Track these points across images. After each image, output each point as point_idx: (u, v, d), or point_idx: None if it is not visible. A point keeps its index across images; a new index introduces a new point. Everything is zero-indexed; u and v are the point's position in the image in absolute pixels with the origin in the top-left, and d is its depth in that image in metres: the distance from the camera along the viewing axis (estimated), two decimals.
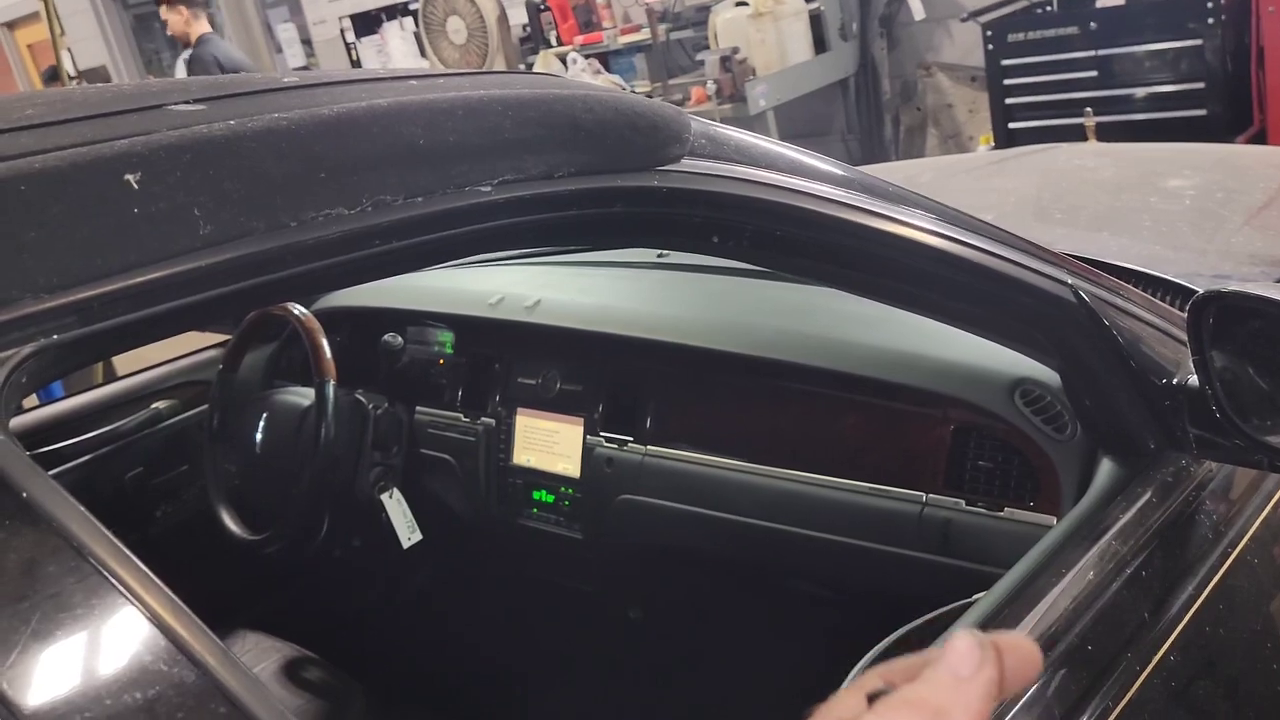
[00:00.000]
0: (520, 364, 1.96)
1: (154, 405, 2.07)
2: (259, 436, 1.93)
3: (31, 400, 2.22)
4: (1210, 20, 4.33)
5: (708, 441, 1.70)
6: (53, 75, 5.34)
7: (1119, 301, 1.12)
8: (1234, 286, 1.02)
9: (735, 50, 5.42)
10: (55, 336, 0.57)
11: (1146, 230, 1.97)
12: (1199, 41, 4.39)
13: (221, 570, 1.82)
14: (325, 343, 1.84)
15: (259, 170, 0.65)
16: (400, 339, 2.03)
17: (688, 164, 0.89)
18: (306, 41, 8.26)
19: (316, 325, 1.87)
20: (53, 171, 0.59)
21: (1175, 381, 1.09)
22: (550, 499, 1.90)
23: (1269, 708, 1.10)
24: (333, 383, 1.80)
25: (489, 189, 0.75)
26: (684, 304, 1.80)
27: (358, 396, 1.94)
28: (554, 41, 6.54)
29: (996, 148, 4.89)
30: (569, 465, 1.86)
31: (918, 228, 1.01)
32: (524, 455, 1.94)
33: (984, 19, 4.97)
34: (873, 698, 0.45)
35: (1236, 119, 4.46)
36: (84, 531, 0.51)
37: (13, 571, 0.49)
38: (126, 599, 0.50)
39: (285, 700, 1.75)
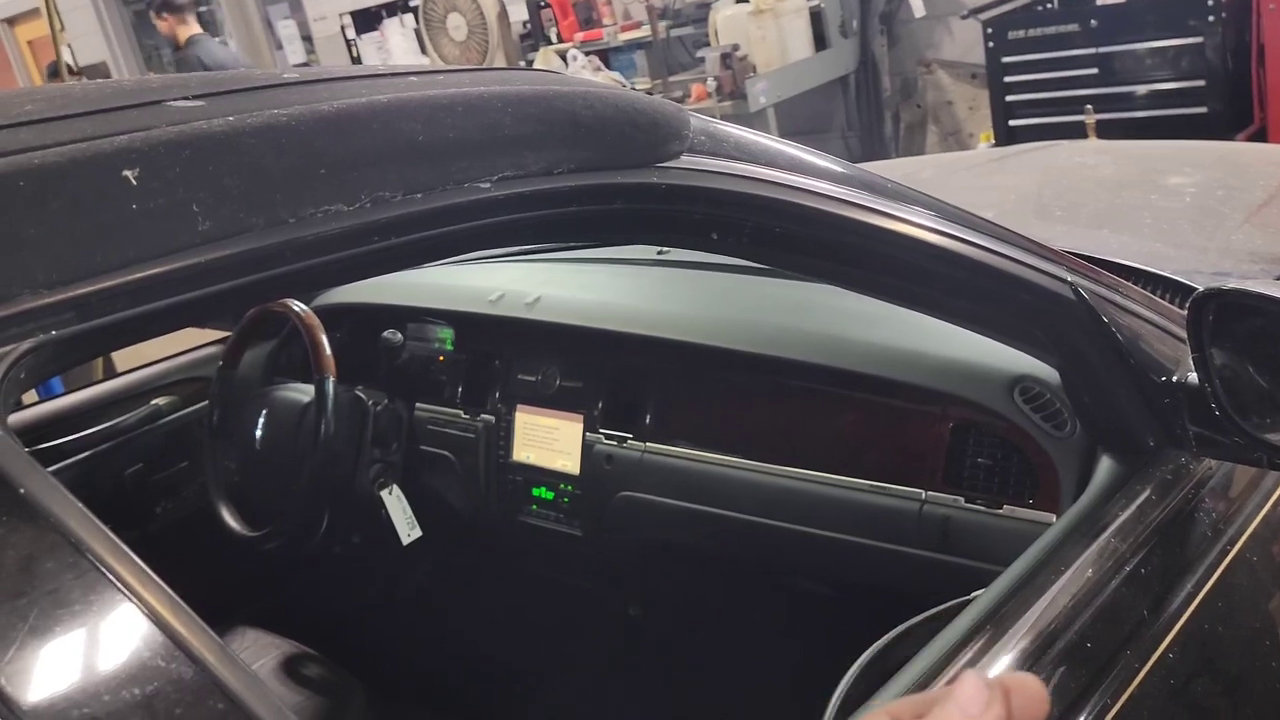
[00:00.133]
0: (520, 361, 1.96)
1: (154, 402, 2.07)
2: (259, 433, 1.93)
3: (31, 396, 2.22)
4: (1211, 18, 4.33)
5: (707, 438, 1.70)
6: (55, 71, 5.34)
7: (1119, 299, 1.12)
8: (1234, 284, 1.02)
9: (735, 47, 5.42)
10: (54, 332, 0.57)
11: (1147, 228, 1.96)
12: (1199, 39, 4.38)
13: (221, 566, 1.82)
14: (325, 339, 1.84)
15: (258, 166, 0.65)
16: (400, 335, 2.03)
17: (687, 161, 0.89)
18: (307, 38, 8.25)
19: (316, 322, 1.87)
20: (52, 167, 0.59)
21: (1175, 379, 1.09)
22: (550, 496, 1.90)
23: (1268, 705, 1.10)
24: (332, 379, 1.80)
25: (489, 185, 0.75)
26: (684, 301, 1.80)
27: (357, 393, 1.94)
28: (554, 38, 6.54)
29: (997, 145, 4.89)
30: (569, 462, 1.86)
31: (918, 225, 1.01)
32: (524, 452, 1.94)
33: (984, 16, 4.96)
34: None
35: (1237, 116, 4.45)
36: (82, 528, 0.51)
37: (11, 568, 0.49)
38: (124, 595, 0.50)
39: (284, 697, 1.75)
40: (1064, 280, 1.07)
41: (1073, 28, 4.66)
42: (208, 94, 0.70)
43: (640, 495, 1.75)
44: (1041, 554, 1.01)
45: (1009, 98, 4.95)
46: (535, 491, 1.92)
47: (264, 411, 1.94)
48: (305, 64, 8.21)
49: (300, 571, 2.06)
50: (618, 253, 2.02)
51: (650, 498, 1.74)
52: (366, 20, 7.66)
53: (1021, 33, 4.82)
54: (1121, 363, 1.10)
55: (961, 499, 1.43)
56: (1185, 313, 1.04)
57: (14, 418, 1.41)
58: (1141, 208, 2.10)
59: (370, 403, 1.94)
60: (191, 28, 5.83)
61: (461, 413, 2.02)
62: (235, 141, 0.65)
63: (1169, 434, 1.11)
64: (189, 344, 2.16)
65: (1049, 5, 4.91)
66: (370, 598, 2.27)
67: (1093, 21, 4.60)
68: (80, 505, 0.52)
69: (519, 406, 1.95)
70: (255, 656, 1.82)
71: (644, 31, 6.02)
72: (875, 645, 1.00)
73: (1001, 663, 0.89)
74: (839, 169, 1.03)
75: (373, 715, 1.79)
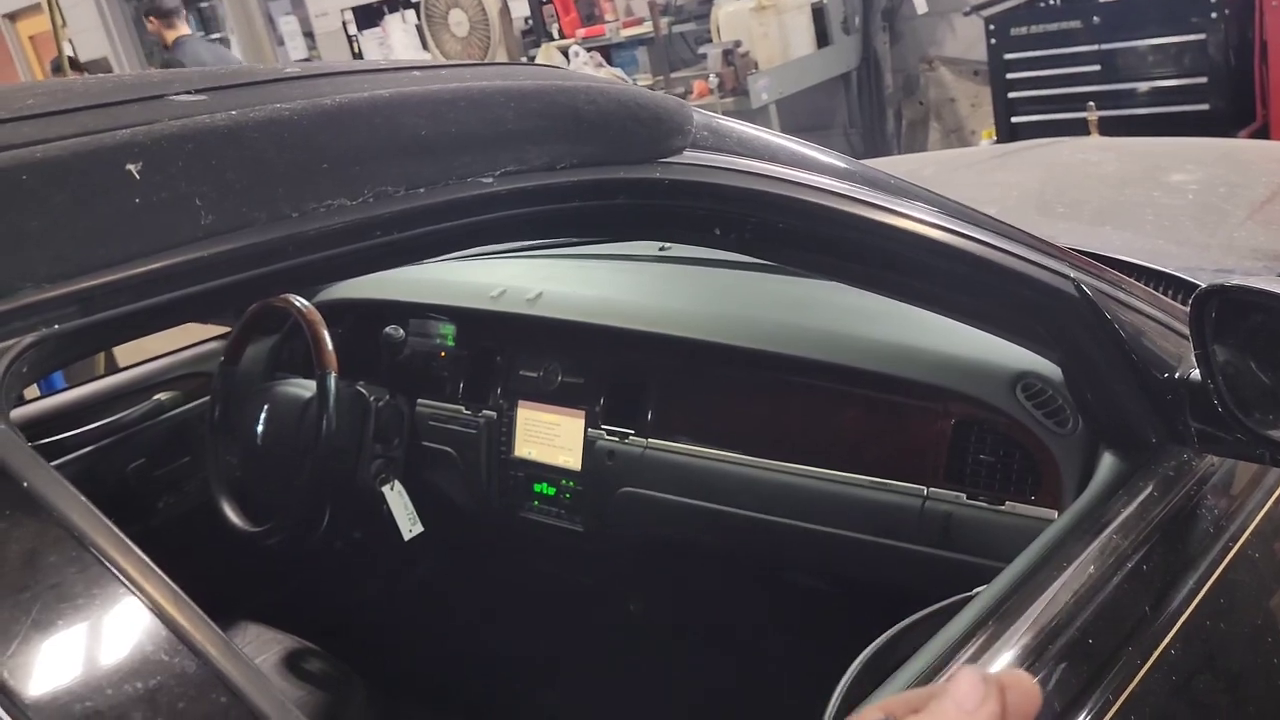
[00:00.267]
0: (522, 357, 1.96)
1: (156, 397, 2.07)
2: (260, 428, 1.93)
3: (33, 391, 2.22)
4: (1213, 15, 4.32)
5: (709, 435, 1.70)
6: (58, 67, 5.34)
7: (1121, 295, 1.12)
8: (1237, 281, 1.02)
9: (737, 44, 5.42)
10: (57, 326, 0.57)
11: (1149, 224, 1.96)
12: (1202, 36, 4.38)
13: (223, 562, 1.82)
14: (327, 335, 1.84)
15: (261, 160, 0.65)
16: (402, 331, 2.03)
17: (690, 156, 0.89)
18: (308, 34, 8.25)
19: (318, 317, 1.87)
20: (54, 161, 0.59)
21: (1177, 375, 1.09)
22: (551, 492, 1.90)
23: (1269, 702, 1.10)
24: (334, 375, 1.80)
25: (491, 180, 0.75)
26: (686, 297, 1.80)
27: (359, 388, 1.94)
28: (556, 34, 6.54)
29: (999, 142, 4.88)
30: (570, 458, 1.86)
31: (920, 221, 1.01)
32: (525, 448, 1.94)
33: (987, 13, 4.96)
34: None
35: (1239, 114, 4.45)
36: (85, 522, 0.51)
37: (14, 562, 0.49)
38: (128, 589, 0.50)
39: (286, 692, 1.75)
40: (1067, 276, 1.07)
41: (1075, 24, 4.65)
42: (210, 88, 0.70)
43: (641, 491, 1.75)
44: (1043, 550, 1.01)
45: (1011, 94, 4.94)
46: (537, 487, 1.92)
47: (266, 407, 1.94)
48: (307, 60, 8.20)
49: (302, 566, 2.06)
50: (619, 249, 2.01)
51: (651, 494, 1.74)
52: (368, 16, 7.65)
53: (1024, 29, 4.81)
54: (1124, 359, 1.09)
55: (963, 495, 1.43)
56: (1188, 309, 1.04)
57: (16, 413, 1.41)
58: (1144, 204, 2.10)
59: (372, 398, 1.94)
60: (178, 30, 5.81)
61: (463, 408, 2.02)
62: (238, 136, 0.65)
63: (1171, 430, 1.11)
64: (191, 339, 2.16)
65: (1051, 2, 4.90)
66: (372, 593, 2.28)
67: (1095, 18, 4.60)
68: (83, 499, 0.52)
69: (520, 402, 1.95)
70: (257, 651, 1.82)
71: (646, 27, 6.02)
72: (877, 641, 1.00)
73: (1003, 659, 0.89)
74: (842, 164, 1.03)
75: (374, 710, 1.79)
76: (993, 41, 4.93)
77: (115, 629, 0.50)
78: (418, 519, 1.96)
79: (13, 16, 11.07)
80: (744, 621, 1.92)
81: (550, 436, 1.90)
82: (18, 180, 0.57)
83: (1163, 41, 4.48)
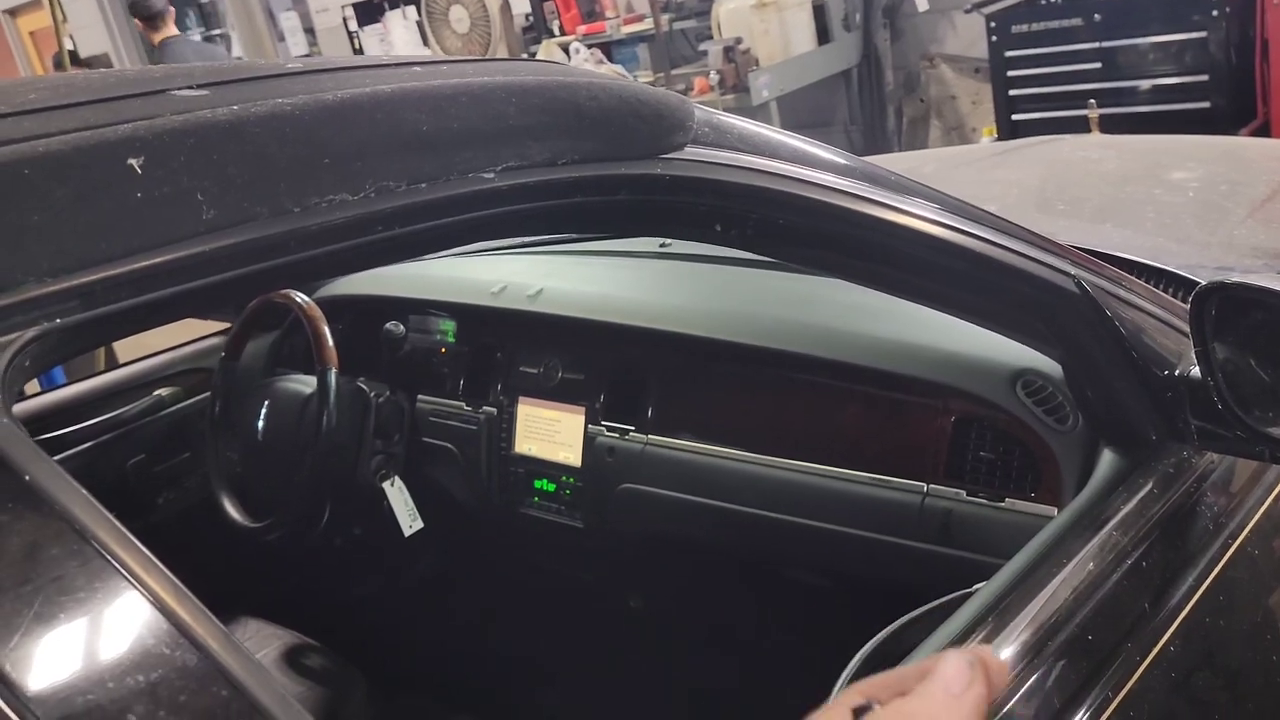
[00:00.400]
0: (522, 353, 1.96)
1: (156, 392, 2.07)
2: (261, 424, 1.93)
3: (33, 386, 2.22)
4: (1214, 12, 4.32)
5: (709, 431, 1.70)
6: (59, 64, 5.33)
7: (1122, 292, 1.12)
8: (1237, 278, 1.02)
9: (738, 40, 5.42)
10: (59, 320, 0.57)
11: (1150, 222, 1.96)
12: (1203, 34, 4.38)
13: (223, 557, 1.82)
14: (327, 331, 1.84)
15: (263, 155, 0.65)
16: (402, 327, 2.03)
17: (691, 152, 0.89)
18: (309, 30, 8.24)
19: (319, 313, 1.86)
20: (56, 155, 0.59)
21: (1177, 373, 1.09)
22: (552, 488, 1.90)
23: (1269, 699, 1.10)
24: (335, 371, 1.80)
25: (492, 176, 0.75)
26: (686, 294, 1.80)
27: (359, 384, 1.94)
28: (557, 31, 6.53)
29: (1000, 139, 4.88)
30: (570, 454, 1.87)
31: (921, 217, 1.01)
32: (526, 444, 1.94)
33: (988, 10, 4.95)
34: (858, 713, 0.45)
35: (1240, 112, 4.44)
36: (87, 515, 0.51)
37: (16, 555, 0.49)
38: (129, 583, 0.50)
39: (286, 687, 1.74)
40: (1067, 273, 1.07)
41: (1076, 22, 4.65)
42: (212, 83, 0.70)
43: (642, 488, 1.75)
44: (1043, 547, 1.01)
45: (1012, 92, 4.94)
46: (537, 484, 1.92)
47: (266, 403, 1.94)
48: (308, 56, 8.20)
49: (302, 562, 2.06)
50: (620, 245, 2.01)
51: (652, 490, 1.74)
52: (369, 12, 7.65)
53: (1025, 27, 4.81)
54: (1124, 356, 1.10)
55: (963, 492, 1.43)
56: (1188, 307, 1.04)
57: (16, 407, 1.41)
58: (1145, 202, 2.10)
59: (372, 394, 1.94)
60: (162, 32, 5.78)
61: (463, 405, 2.02)
62: (240, 130, 0.65)
63: (1171, 428, 1.11)
64: (192, 335, 2.16)
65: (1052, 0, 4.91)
66: (372, 589, 2.28)
67: (1096, 16, 4.60)
68: (85, 493, 0.52)
69: (521, 399, 1.95)
70: (257, 647, 1.83)
71: (647, 24, 6.02)
72: (877, 637, 1.00)
73: (1003, 655, 0.89)
74: (843, 161, 1.03)
75: (374, 706, 1.79)
76: (994, 39, 4.93)
77: (117, 622, 0.50)
78: (418, 515, 1.96)
79: (13, 12, 11.06)
80: (744, 618, 1.93)
81: (551, 433, 1.90)
82: (20, 175, 0.57)
83: (1164, 39, 4.48)
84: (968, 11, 5.29)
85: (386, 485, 1.95)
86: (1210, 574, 1.06)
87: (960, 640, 0.90)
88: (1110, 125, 4.20)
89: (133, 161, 0.60)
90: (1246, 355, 1.05)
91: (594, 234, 2.00)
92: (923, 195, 1.04)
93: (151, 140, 0.61)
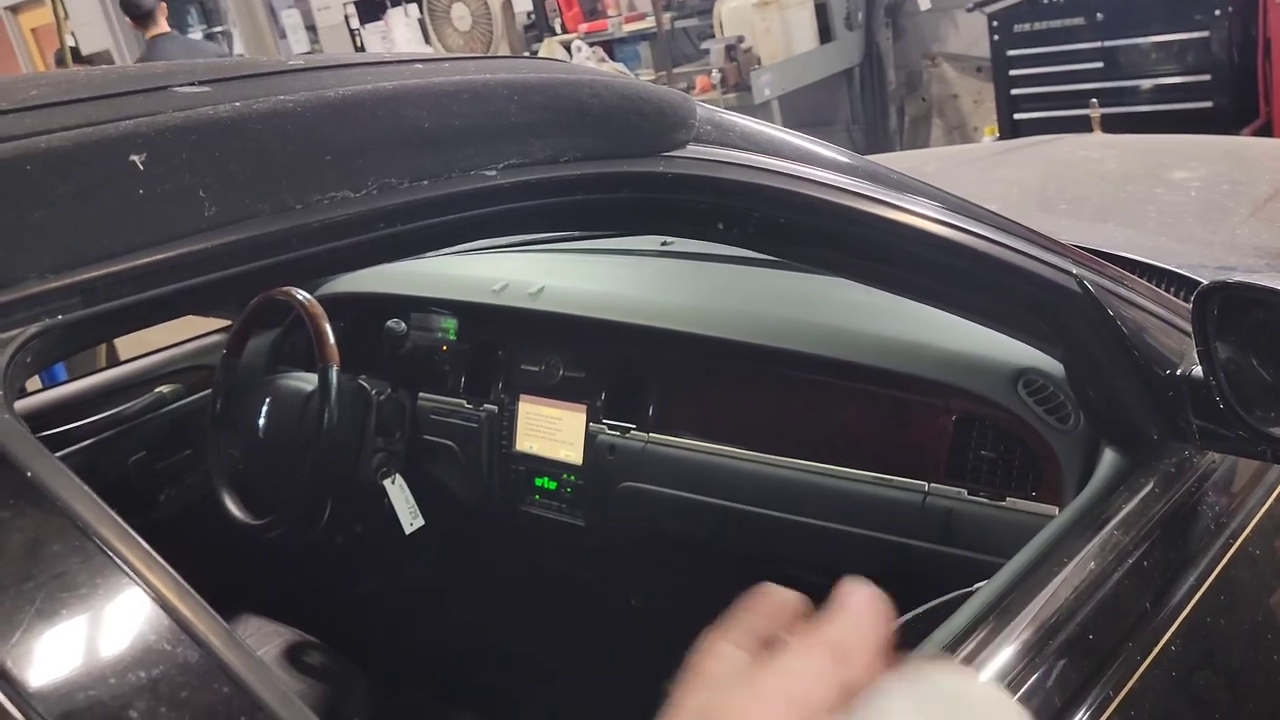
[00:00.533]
0: (523, 351, 1.96)
1: (158, 389, 2.07)
2: (262, 421, 1.93)
3: (34, 383, 2.22)
4: (1217, 12, 4.32)
5: (710, 429, 1.70)
6: (61, 60, 5.33)
7: (1123, 292, 1.12)
8: (1239, 278, 1.02)
9: (740, 39, 5.42)
10: (60, 317, 0.57)
11: (1152, 222, 1.96)
12: (1205, 33, 4.37)
13: (224, 554, 1.82)
14: (329, 328, 1.84)
15: (265, 152, 0.65)
16: (404, 325, 2.03)
17: (693, 150, 0.89)
18: (311, 27, 8.25)
19: (320, 310, 1.87)
20: (58, 152, 0.59)
21: (1179, 372, 1.09)
22: (553, 486, 1.90)
23: (1269, 698, 1.10)
24: (336, 368, 1.80)
25: (494, 173, 0.75)
26: (687, 292, 1.80)
27: (361, 382, 1.94)
28: (558, 29, 6.53)
29: (1001, 138, 4.88)
30: (571, 452, 1.87)
31: (923, 216, 1.01)
32: (527, 442, 1.94)
33: (990, 9, 4.95)
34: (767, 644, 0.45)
35: (1242, 111, 4.44)
36: (89, 512, 0.51)
37: (18, 551, 0.49)
38: (131, 579, 0.50)
39: (286, 684, 1.75)
40: (1069, 272, 1.07)
41: (1078, 21, 4.65)
42: (214, 80, 0.70)
43: (643, 486, 1.75)
44: (1044, 546, 1.01)
45: (1014, 91, 4.94)
46: (538, 481, 1.92)
47: (267, 400, 1.94)
48: (309, 53, 8.20)
49: (303, 560, 2.06)
50: (622, 243, 2.01)
51: (653, 488, 1.74)
52: (370, 10, 7.64)
53: (1027, 26, 4.81)
54: (1126, 356, 1.09)
55: (964, 491, 1.43)
56: (1190, 306, 1.04)
57: (18, 404, 1.41)
58: (1146, 202, 2.10)
59: (373, 392, 1.94)
60: (158, 28, 5.77)
61: (464, 402, 2.02)
62: (242, 127, 0.65)
63: (1172, 427, 1.11)
64: (193, 332, 2.16)
65: None
66: (373, 586, 2.28)
67: (1098, 15, 4.60)
68: (87, 489, 0.52)
69: (522, 396, 1.95)
70: (258, 644, 1.83)
71: (648, 23, 6.02)
72: None
73: (1004, 654, 0.89)
74: (845, 159, 1.03)
75: (374, 703, 1.79)
76: (996, 38, 4.93)
77: (118, 618, 0.50)
78: (419, 513, 1.96)
79: (15, 9, 11.07)
80: None
81: (552, 431, 1.90)
82: (22, 171, 0.57)
83: (1166, 39, 4.48)
84: (970, 10, 5.29)
85: (387, 483, 1.95)
86: (1211, 574, 1.06)
87: (962, 639, 0.90)
88: (1112, 125, 4.21)
89: (135, 158, 0.60)
90: (1248, 355, 1.05)
91: (596, 232, 2.00)
92: (925, 194, 1.04)
93: (154, 137, 0.61)
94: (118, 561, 0.50)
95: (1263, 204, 1.99)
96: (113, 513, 0.52)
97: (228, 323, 2.12)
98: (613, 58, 6.21)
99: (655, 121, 0.87)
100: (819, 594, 0.47)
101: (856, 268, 1.12)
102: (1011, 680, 0.87)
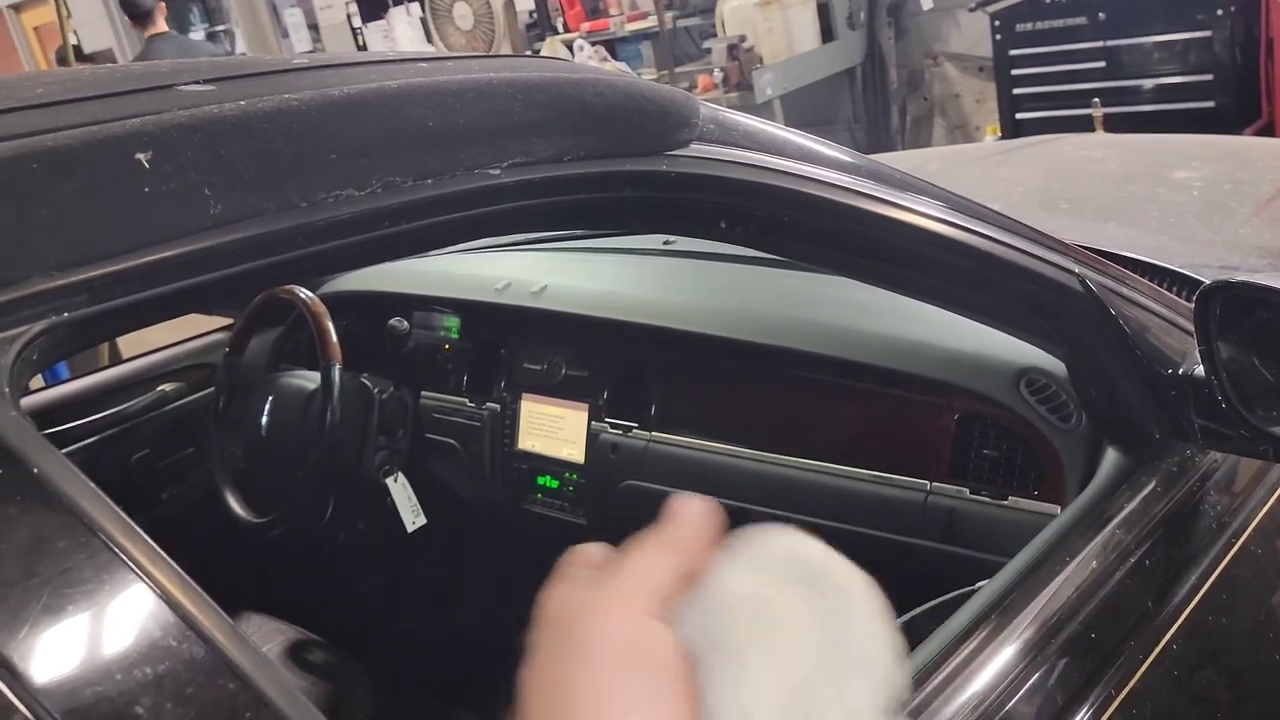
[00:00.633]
0: (526, 349, 1.96)
1: (160, 388, 2.07)
2: (264, 420, 1.93)
3: (37, 381, 2.22)
4: (1219, 11, 4.31)
5: (712, 428, 1.70)
6: (63, 59, 5.33)
7: (1126, 291, 1.12)
8: (1241, 277, 1.02)
9: (742, 38, 5.41)
10: (66, 314, 0.57)
11: (1154, 221, 1.96)
12: (1208, 33, 4.37)
13: (226, 553, 1.82)
14: (331, 326, 1.84)
15: (270, 150, 0.65)
16: (406, 323, 2.03)
17: (697, 149, 0.89)
18: (313, 26, 8.25)
19: (323, 309, 1.87)
20: (64, 150, 0.59)
21: (1181, 371, 1.09)
22: (555, 484, 1.91)
23: (1271, 698, 1.10)
24: (338, 366, 1.80)
25: (498, 172, 0.75)
26: (690, 291, 1.80)
27: (363, 380, 1.95)
28: (560, 28, 6.53)
29: (1003, 138, 4.88)
30: (574, 451, 1.87)
31: (925, 215, 1.01)
32: (529, 441, 1.94)
33: (992, 9, 4.95)
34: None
35: (1245, 111, 4.44)
36: (95, 509, 0.52)
37: (24, 548, 0.49)
38: (136, 575, 0.51)
39: (289, 682, 1.75)
40: (1072, 272, 1.07)
41: (1080, 21, 4.65)
42: (219, 78, 0.70)
43: (645, 485, 1.75)
44: (1046, 545, 1.01)
45: (1016, 91, 4.94)
46: (540, 480, 1.93)
47: (270, 398, 1.95)
48: (312, 52, 8.19)
49: (305, 558, 2.07)
50: (624, 242, 2.02)
51: (655, 487, 1.74)
52: (372, 9, 7.65)
53: (1029, 25, 4.81)
54: (1128, 355, 1.10)
55: (966, 490, 1.43)
56: (1192, 306, 1.04)
57: (21, 402, 1.41)
58: (1148, 201, 2.10)
59: (376, 390, 1.94)
60: (155, 28, 5.76)
61: (467, 401, 2.02)
62: (247, 125, 0.65)
63: (1175, 426, 1.11)
64: (196, 331, 2.16)
65: None
66: (375, 585, 2.28)
67: (1100, 15, 4.59)
68: (93, 486, 0.52)
69: (524, 395, 1.95)
70: (260, 642, 1.83)
71: (650, 22, 6.02)
72: None
73: (1006, 653, 0.89)
74: (848, 159, 1.03)
75: (376, 701, 1.79)
76: (998, 37, 4.92)
77: (124, 615, 0.50)
78: (421, 511, 1.96)
79: (17, 7, 11.08)
80: None
81: (554, 429, 1.90)
82: (27, 169, 0.57)
83: (1168, 38, 4.47)
84: (972, 10, 5.29)
85: (390, 481, 1.95)
86: (1213, 573, 1.06)
87: (963, 638, 0.90)
88: (1114, 124, 4.21)
89: (140, 156, 0.60)
90: (1250, 354, 1.05)
91: (599, 231, 2.00)
92: (927, 193, 1.04)
93: (159, 135, 0.62)
94: (123, 558, 0.51)
95: (1265, 204, 1.99)
96: (118, 509, 0.52)
97: (230, 321, 2.12)
98: (615, 57, 6.22)
99: (658, 120, 0.87)
100: None
101: (859, 267, 1.12)
102: (1013, 679, 0.87)
